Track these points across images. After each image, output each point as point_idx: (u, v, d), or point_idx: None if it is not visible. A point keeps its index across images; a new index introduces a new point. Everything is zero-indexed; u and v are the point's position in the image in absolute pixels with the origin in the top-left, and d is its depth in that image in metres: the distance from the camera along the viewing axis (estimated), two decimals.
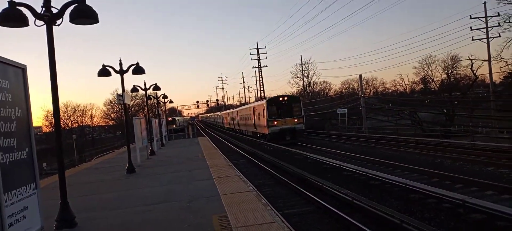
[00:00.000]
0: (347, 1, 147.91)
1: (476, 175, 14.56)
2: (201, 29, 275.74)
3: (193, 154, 23.25)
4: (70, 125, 76.48)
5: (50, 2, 7.82)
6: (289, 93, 54.00)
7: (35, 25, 7.70)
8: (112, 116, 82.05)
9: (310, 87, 72.07)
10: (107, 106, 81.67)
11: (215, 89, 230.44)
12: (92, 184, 14.94)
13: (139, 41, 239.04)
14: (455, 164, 18.10)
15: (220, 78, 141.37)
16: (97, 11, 8.38)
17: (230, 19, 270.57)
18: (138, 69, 16.64)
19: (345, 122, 46.80)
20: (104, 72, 15.39)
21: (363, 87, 48.75)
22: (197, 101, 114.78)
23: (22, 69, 6.09)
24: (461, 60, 50.72)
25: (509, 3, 36.36)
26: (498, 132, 30.07)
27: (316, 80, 72.74)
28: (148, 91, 26.16)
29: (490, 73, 40.99)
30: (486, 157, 18.56)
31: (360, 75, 45.86)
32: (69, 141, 61.16)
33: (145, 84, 24.67)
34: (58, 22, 7.93)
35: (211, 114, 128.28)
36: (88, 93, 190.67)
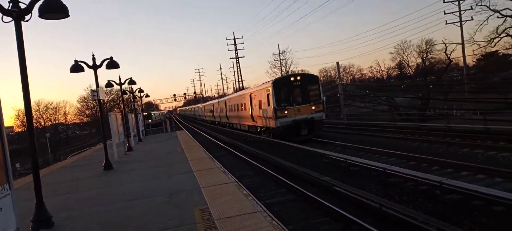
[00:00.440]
0: None
1: (452, 157, 14.90)
2: (177, 21, 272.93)
3: (172, 148, 23.03)
4: (43, 124, 74.91)
5: None
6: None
7: (3, 21, 7.42)
8: (87, 112, 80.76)
9: None
10: (81, 103, 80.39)
11: (193, 82, 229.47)
12: (69, 182, 14.61)
13: (113, 35, 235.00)
14: (432, 146, 18.49)
15: (197, 70, 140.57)
16: (67, 5, 8.15)
17: (206, 10, 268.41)
18: (112, 64, 16.30)
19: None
20: (76, 68, 15.01)
21: (341, 74, 49.08)
22: (174, 95, 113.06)
23: None
24: (436, 44, 52.02)
25: None
26: (472, 114, 30.85)
27: (294, 69, 73.08)
28: (123, 86, 25.73)
29: (464, 56, 42.15)
30: (460, 138, 19.02)
31: (338, 63, 46.15)
32: (42, 139, 59.85)
33: (120, 79, 24.26)
34: (27, 17, 7.68)
35: (190, 107, 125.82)
36: (60, 91, 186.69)
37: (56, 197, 11.16)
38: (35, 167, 8.16)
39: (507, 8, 35.21)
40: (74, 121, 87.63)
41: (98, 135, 62.64)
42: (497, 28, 36.07)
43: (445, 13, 41.03)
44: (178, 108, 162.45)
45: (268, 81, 29.42)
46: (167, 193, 9.94)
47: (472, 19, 40.15)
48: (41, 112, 75.64)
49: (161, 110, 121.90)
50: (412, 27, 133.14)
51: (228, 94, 67.71)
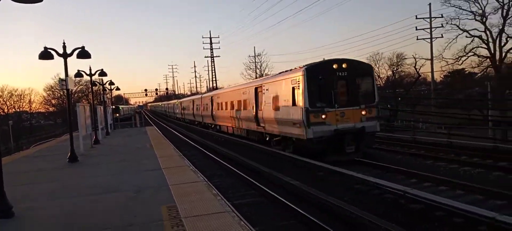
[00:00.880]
0: None
1: (416, 168, 15.34)
2: (152, 15, 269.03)
3: (140, 143, 22.66)
4: (6, 111, 72.07)
5: None
6: None
7: None
8: (53, 102, 78.16)
9: None
10: (48, 92, 77.71)
11: (165, 78, 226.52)
12: (31, 173, 14.14)
13: (85, 24, 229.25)
14: (397, 157, 18.96)
15: (171, 67, 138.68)
16: None
17: (183, 7, 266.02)
18: (84, 53, 15.90)
19: None
20: (45, 55, 14.57)
21: None
22: (146, 90, 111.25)
23: None
24: (406, 58, 53.22)
25: (452, 6, 38.60)
26: (437, 127, 31.88)
27: (269, 73, 73.29)
28: (93, 77, 25.06)
29: (432, 71, 43.60)
30: (425, 150, 19.61)
31: None
32: (4, 127, 57.59)
33: (90, 69, 23.61)
34: None
35: (162, 103, 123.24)
36: (26, 78, 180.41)
37: (18, 187, 10.77)
38: None
39: (475, 29, 36.71)
40: (39, 110, 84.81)
41: (64, 126, 60.78)
42: (465, 47, 37.46)
43: (416, 29, 42.28)
44: (149, 104, 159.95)
45: (293, 69, 19.64)
46: (134, 189, 9.77)
47: (442, 37, 41.50)
48: (4, 99, 72.83)
49: (131, 104, 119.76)
50: (385, 40, 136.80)
51: (207, 92, 60.26)
